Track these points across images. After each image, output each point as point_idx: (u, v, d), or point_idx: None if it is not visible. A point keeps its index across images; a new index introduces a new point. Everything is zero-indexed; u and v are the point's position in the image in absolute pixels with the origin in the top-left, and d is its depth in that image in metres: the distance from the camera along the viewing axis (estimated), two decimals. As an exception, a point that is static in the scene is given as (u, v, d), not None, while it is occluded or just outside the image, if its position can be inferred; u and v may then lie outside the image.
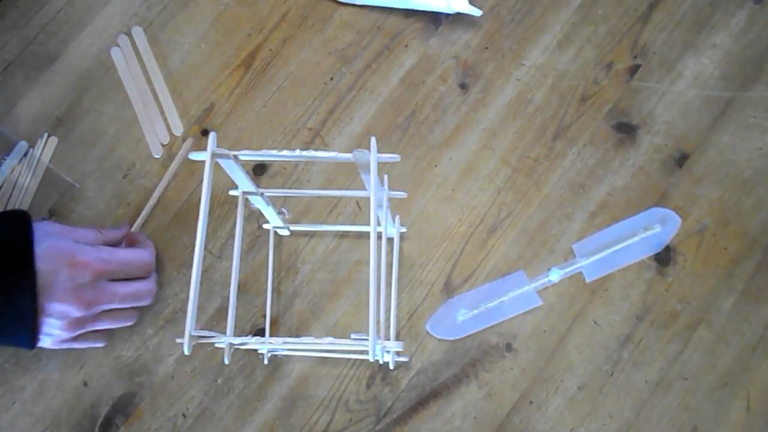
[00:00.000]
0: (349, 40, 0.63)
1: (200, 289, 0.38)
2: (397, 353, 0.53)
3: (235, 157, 0.40)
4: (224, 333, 0.43)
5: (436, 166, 0.60)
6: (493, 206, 0.59)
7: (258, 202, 0.50)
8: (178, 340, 0.40)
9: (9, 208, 0.59)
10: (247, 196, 0.48)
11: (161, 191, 0.59)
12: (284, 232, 0.58)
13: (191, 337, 0.37)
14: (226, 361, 0.40)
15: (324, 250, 0.58)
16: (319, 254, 0.58)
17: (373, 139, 0.39)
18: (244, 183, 0.46)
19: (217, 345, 0.41)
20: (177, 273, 0.58)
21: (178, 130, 0.61)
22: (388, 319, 0.54)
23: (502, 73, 0.62)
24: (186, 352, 0.37)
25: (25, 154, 0.60)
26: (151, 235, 0.59)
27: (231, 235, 0.59)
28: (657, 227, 0.57)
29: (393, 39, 0.63)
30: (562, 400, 0.55)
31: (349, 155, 0.39)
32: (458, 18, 0.63)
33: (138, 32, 0.63)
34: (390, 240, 0.56)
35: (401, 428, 0.55)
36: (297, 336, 0.56)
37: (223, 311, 0.57)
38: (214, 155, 0.39)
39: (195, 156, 0.40)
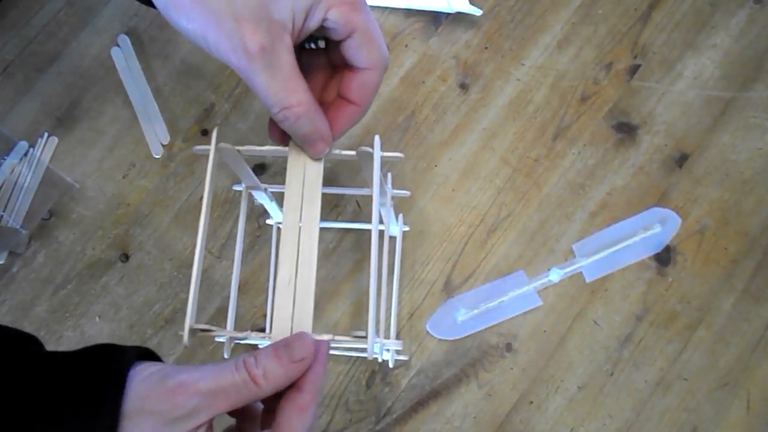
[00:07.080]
0: (349, 40, 0.63)
1: (200, 289, 0.38)
2: (397, 352, 0.53)
3: (238, 151, 0.40)
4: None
5: (436, 166, 0.60)
6: (493, 206, 0.59)
7: (261, 198, 0.50)
8: (179, 333, 0.40)
9: (9, 207, 0.59)
10: (250, 191, 0.49)
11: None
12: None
13: (191, 329, 0.37)
14: (226, 356, 0.40)
15: (324, 249, 0.58)
16: (319, 253, 0.58)
17: (376, 138, 0.39)
18: (247, 178, 0.46)
19: (217, 339, 0.41)
20: (177, 273, 0.58)
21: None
22: (388, 318, 0.54)
23: (502, 73, 0.62)
24: (185, 343, 0.37)
25: (25, 154, 0.60)
26: (151, 235, 0.59)
27: (231, 236, 0.58)
28: (657, 227, 0.57)
29: (393, 39, 0.63)
30: (562, 400, 0.55)
31: (352, 152, 0.39)
32: (458, 18, 0.63)
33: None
34: (392, 239, 0.56)
35: (401, 428, 0.54)
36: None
37: (223, 311, 0.57)
38: (218, 149, 0.39)
39: (199, 150, 0.40)
